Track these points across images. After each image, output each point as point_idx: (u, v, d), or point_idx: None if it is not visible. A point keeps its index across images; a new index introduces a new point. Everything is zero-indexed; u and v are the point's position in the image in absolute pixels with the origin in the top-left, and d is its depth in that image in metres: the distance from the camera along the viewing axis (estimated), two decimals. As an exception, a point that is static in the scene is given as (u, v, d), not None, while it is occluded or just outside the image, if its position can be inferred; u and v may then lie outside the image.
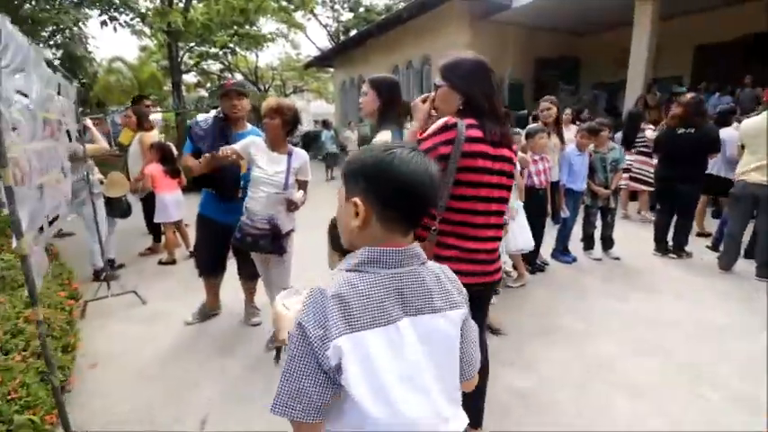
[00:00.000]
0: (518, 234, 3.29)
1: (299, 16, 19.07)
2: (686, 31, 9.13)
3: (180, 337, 2.85)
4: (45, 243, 1.97)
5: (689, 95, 4.05)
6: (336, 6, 20.84)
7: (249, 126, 2.80)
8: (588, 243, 4.37)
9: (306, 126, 27.58)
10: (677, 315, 3.05)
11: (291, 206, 2.38)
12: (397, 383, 0.70)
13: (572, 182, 3.91)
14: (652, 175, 5.56)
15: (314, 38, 39.48)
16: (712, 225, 4.97)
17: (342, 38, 19.79)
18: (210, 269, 2.96)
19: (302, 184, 2.53)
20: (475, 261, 1.52)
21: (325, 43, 22.38)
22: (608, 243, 4.34)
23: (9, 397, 1.75)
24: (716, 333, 2.78)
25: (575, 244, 4.33)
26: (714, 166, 4.60)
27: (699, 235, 4.81)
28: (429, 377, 0.74)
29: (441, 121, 1.49)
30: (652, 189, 5.61)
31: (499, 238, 1.61)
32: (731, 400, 2.11)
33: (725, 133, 4.52)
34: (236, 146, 2.36)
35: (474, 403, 1.66)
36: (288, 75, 25.47)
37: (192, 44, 12.85)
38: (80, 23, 8.20)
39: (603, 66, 10.98)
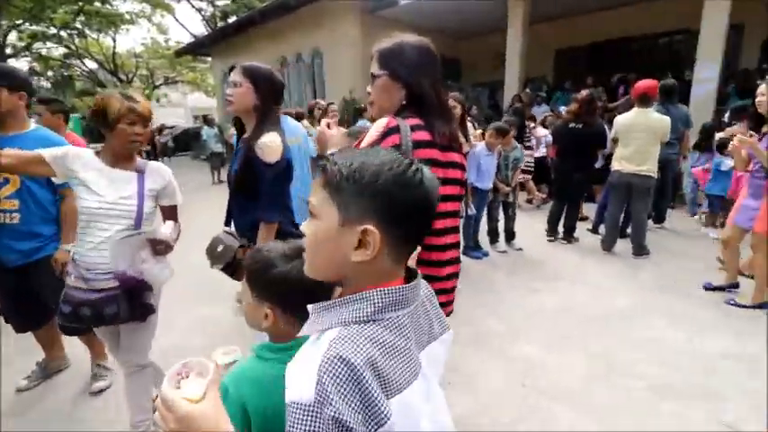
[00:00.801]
0: None
1: (165, -4, 16.80)
2: (548, 35, 10.27)
3: None
4: None
5: (584, 92, 4.37)
6: (210, -11, 18.90)
7: (31, 125, 2.03)
8: (493, 237, 4.50)
9: (183, 122, 24.70)
10: (579, 300, 3.23)
11: (160, 247, 1.62)
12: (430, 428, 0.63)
13: (479, 181, 3.93)
14: (533, 165, 6.09)
15: (186, 22, 35.56)
16: (588, 210, 5.58)
17: (219, 23, 17.99)
18: (31, 323, 2.22)
19: (169, 212, 1.78)
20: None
21: (200, 29, 20.20)
22: (510, 235, 4.53)
23: None
24: (616, 317, 2.98)
25: (481, 238, 4.42)
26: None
27: (579, 220, 5.33)
28: (444, 409, 0.69)
29: (380, 124, 1.17)
30: (531, 177, 6.20)
31: (457, 260, 1.35)
32: (653, 389, 2.19)
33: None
34: (44, 152, 1.56)
35: None
36: (156, 63, 22.40)
37: (20, 21, 10.26)
38: None
39: (481, 66, 11.86)
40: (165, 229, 1.64)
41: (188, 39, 19.08)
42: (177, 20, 21.20)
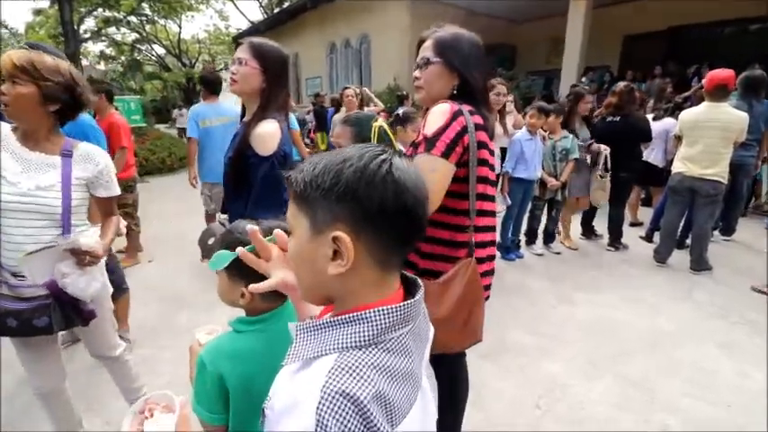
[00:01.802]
0: None
1: (225, -17, 17.38)
2: (616, 19, 9.37)
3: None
4: None
5: (621, 84, 3.96)
6: (268, -24, 19.30)
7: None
8: (531, 237, 4.18)
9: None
10: (620, 317, 2.89)
11: (81, 257, 1.29)
12: None
13: (521, 169, 3.63)
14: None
15: (245, 9, 36.87)
16: (644, 214, 5.04)
17: (275, 10, 18.37)
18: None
19: (105, 205, 1.47)
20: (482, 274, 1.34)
21: (259, 16, 20.74)
22: (549, 237, 4.20)
23: None
24: (662, 340, 2.63)
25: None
26: (650, 154, 4.60)
27: (632, 225, 4.84)
28: (433, 411, 0.63)
29: (443, 108, 1.22)
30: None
31: (494, 243, 1.44)
32: (694, 427, 1.91)
33: (661, 124, 4.53)
34: None
35: None
36: (217, 49, 23.42)
37: (93, 8, 11.08)
38: None
39: (537, 54, 11.11)
40: (86, 239, 1.30)
41: (246, 25, 19.70)
42: (236, 6, 21.97)
